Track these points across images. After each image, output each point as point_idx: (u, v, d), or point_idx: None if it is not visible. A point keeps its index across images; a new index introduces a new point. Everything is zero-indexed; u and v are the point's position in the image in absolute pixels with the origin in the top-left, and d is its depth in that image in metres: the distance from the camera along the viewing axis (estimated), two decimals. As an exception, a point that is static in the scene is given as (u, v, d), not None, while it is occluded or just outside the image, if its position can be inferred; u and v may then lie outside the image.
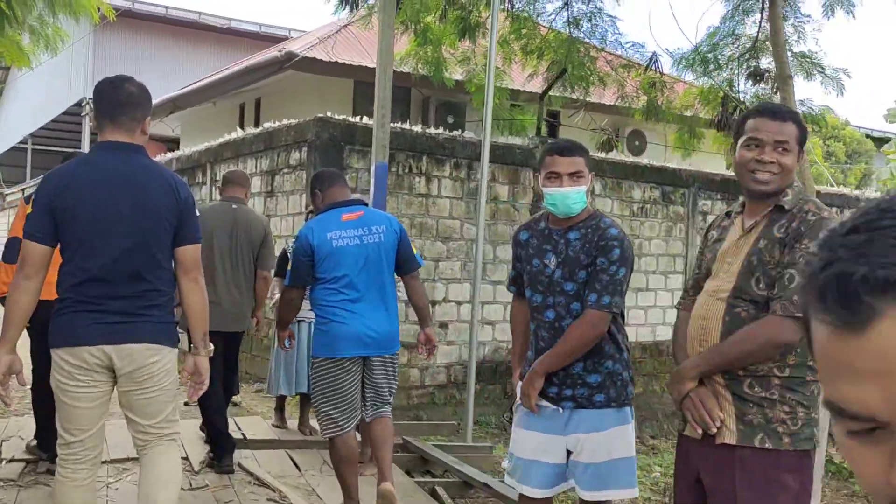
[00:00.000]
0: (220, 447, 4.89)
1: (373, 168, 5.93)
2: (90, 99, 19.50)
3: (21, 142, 30.44)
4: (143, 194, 2.85)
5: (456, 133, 8.34)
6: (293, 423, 6.13)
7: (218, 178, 9.36)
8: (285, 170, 8.01)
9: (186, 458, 4.93)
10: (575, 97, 9.40)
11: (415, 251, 4.21)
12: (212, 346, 3.04)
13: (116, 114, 2.87)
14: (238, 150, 8.95)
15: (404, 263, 4.10)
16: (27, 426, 5.20)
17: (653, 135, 12.95)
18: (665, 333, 9.88)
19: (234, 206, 5.22)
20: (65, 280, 2.86)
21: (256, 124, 12.65)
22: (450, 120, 10.99)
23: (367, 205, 4.33)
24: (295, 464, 5.17)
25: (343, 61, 10.59)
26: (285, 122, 8.16)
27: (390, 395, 4.09)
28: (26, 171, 30.59)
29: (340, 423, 3.91)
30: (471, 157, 8.31)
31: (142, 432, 2.95)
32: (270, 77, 10.88)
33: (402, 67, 9.21)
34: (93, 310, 2.80)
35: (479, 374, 8.40)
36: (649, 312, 9.72)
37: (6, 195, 30.89)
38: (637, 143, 12.49)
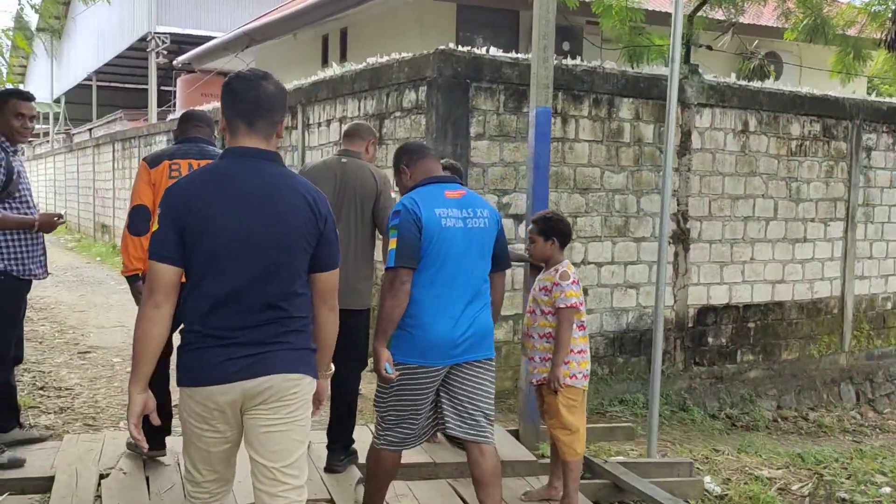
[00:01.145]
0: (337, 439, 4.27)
1: (531, 114, 4.73)
2: (156, 34, 18.61)
3: (86, 79, 29.87)
4: (279, 209, 2.53)
5: (595, 64, 7.04)
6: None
7: (311, 122, 8.27)
8: (397, 113, 6.85)
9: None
10: (720, 18, 7.98)
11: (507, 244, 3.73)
12: (333, 368, 2.89)
13: (255, 117, 2.55)
14: (336, 90, 7.80)
15: (499, 258, 3.58)
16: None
17: (787, 56, 11.38)
18: (824, 290, 8.59)
19: (343, 159, 4.48)
20: (190, 309, 2.54)
21: (342, 58, 11.47)
22: (565, 47, 9.64)
23: (464, 184, 3.67)
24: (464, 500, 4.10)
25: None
26: (395, 55, 6.96)
27: (491, 410, 3.51)
28: (92, 109, 30.07)
29: (408, 442, 3.48)
30: (612, 93, 7.04)
31: (269, 479, 2.58)
32: (363, 3, 9.60)
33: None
34: (224, 343, 2.49)
35: (621, 344, 7.29)
36: (807, 267, 8.42)
37: (73, 134, 30.48)
38: (773, 66, 10.95)
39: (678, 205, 7.51)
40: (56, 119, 33.32)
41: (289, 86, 8.91)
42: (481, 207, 3.49)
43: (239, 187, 2.51)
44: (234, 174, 2.54)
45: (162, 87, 24.78)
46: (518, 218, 6.65)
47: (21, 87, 47.61)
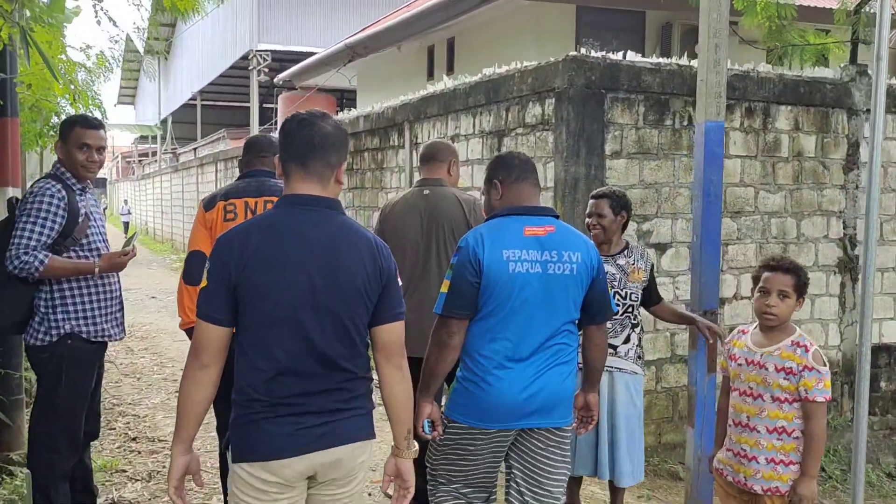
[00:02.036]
0: None
1: (699, 130, 3.87)
2: (257, 51, 18.43)
3: (190, 99, 30.31)
4: (340, 263, 2.35)
5: (748, 67, 6.09)
6: None
7: (420, 140, 7.58)
8: (519, 130, 6.07)
9: None
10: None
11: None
12: (416, 446, 2.53)
13: (309, 159, 2.38)
14: (448, 105, 7.08)
15: (594, 309, 3.08)
16: None
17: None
18: None
19: (425, 191, 4.18)
20: (248, 376, 2.34)
21: (449, 70, 10.79)
22: (696, 51, 8.66)
23: (558, 217, 3.13)
24: None
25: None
26: (515, 64, 6.18)
27: (560, 489, 3.05)
28: (197, 128, 30.50)
29: (471, 498, 3.11)
30: (767, 100, 6.07)
31: None
32: (478, 8, 8.86)
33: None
34: (291, 413, 2.33)
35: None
36: None
37: (179, 154, 30.97)
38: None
39: (844, 228, 6.46)
40: (164, 139, 34.00)
41: (395, 101, 8.27)
42: (571, 249, 2.97)
43: (297, 238, 2.33)
44: (291, 225, 2.35)
45: (264, 105, 24.81)
46: (661, 248, 5.76)
47: (133, 108, 49.17)
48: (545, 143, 5.72)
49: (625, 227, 4.14)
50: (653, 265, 4.16)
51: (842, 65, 6.53)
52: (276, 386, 2.32)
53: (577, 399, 3.24)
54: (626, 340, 3.99)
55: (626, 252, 4.09)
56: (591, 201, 4.15)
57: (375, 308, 2.42)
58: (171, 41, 28.38)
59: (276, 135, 4.23)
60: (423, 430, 3.03)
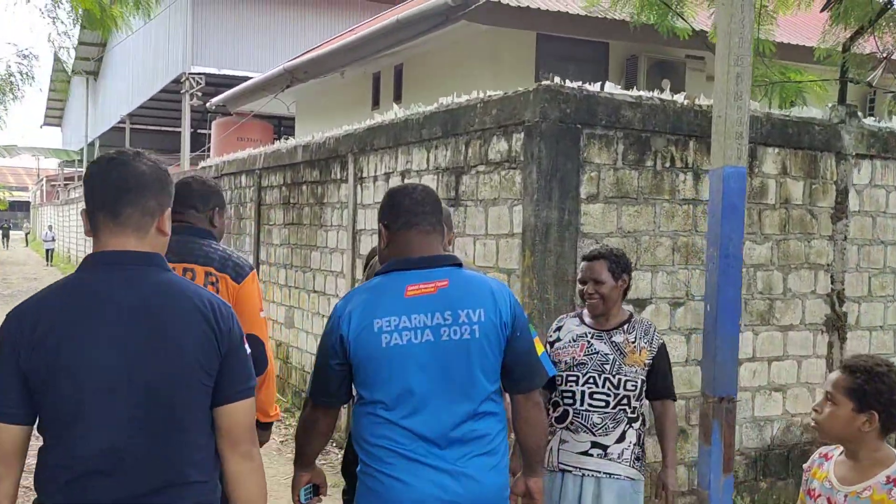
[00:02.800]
0: None
1: (715, 177, 3.21)
2: (191, 74, 17.48)
3: (119, 122, 29.04)
4: (162, 334, 1.95)
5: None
6: None
7: (365, 175, 6.81)
8: (480, 167, 5.35)
9: None
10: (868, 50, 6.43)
11: (540, 350, 2.56)
12: None
13: (120, 206, 2.00)
14: (398, 137, 6.34)
15: (517, 375, 2.51)
16: None
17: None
18: None
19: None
20: (48, 477, 1.95)
21: (397, 99, 10.08)
22: (664, 85, 8.14)
23: (460, 265, 2.55)
24: None
25: (530, 5, 7.76)
26: (478, 93, 5.48)
27: None
28: (126, 153, 29.13)
29: None
30: (754, 140, 5.48)
31: None
32: (429, 33, 8.16)
33: (608, 13, 6.41)
34: None
35: (764, 464, 5.65)
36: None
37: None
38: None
39: (832, 282, 5.90)
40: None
41: (338, 131, 7.50)
42: (470, 306, 2.40)
43: (105, 308, 1.96)
44: (96, 290, 1.98)
45: (198, 131, 23.79)
46: (640, 304, 5.09)
47: (59, 130, 47.30)
48: (511, 182, 5.01)
49: (625, 294, 3.43)
50: (662, 345, 3.41)
51: (829, 105, 6.01)
52: (76, 490, 1.91)
53: (517, 485, 2.68)
54: (621, 439, 3.28)
55: (626, 327, 3.38)
56: (583, 264, 3.43)
57: (216, 386, 2.01)
58: (101, 59, 27.17)
59: (208, 179, 3.52)
60: (300, 500, 2.63)
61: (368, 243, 6.75)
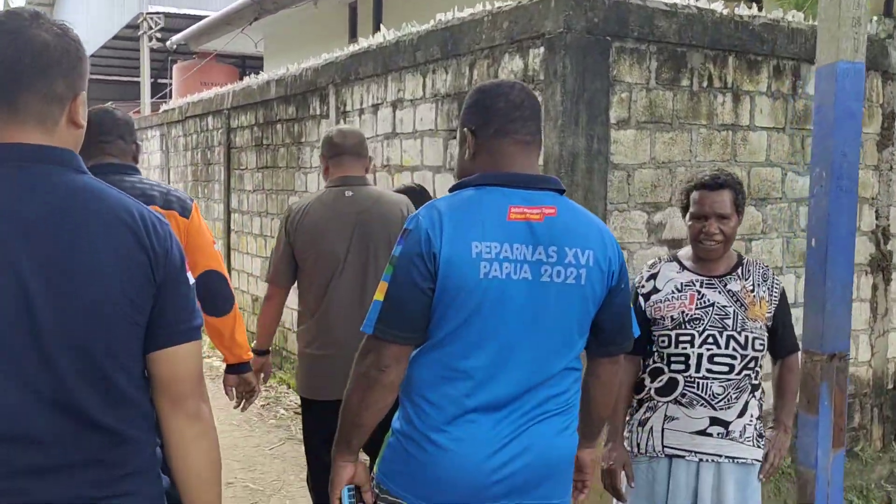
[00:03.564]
0: None
1: (822, 76, 2.54)
2: (147, 14, 16.42)
3: (74, 71, 27.61)
4: (76, 255, 1.50)
5: (777, 16, 4.81)
6: None
7: (349, 108, 6.06)
8: (489, 90, 4.63)
9: None
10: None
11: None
12: None
13: (12, 91, 1.52)
14: (388, 63, 5.58)
15: (611, 333, 2.07)
16: None
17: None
18: None
19: (347, 192, 3.42)
20: None
21: (375, 30, 9.25)
22: None
23: (563, 191, 2.07)
24: None
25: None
26: (483, 6, 4.73)
27: None
28: (83, 104, 27.82)
29: None
30: (798, 57, 4.82)
31: None
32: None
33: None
34: None
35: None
36: None
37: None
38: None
39: (876, 218, 5.31)
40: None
41: (316, 61, 6.70)
42: (580, 245, 1.97)
43: (2, 217, 1.47)
44: None
45: (159, 80, 22.66)
46: (675, 245, 4.45)
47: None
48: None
49: None
50: (783, 292, 2.76)
51: (875, 17, 5.35)
52: None
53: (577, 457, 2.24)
54: (743, 412, 2.64)
55: (740, 271, 2.71)
56: (698, 195, 2.70)
57: (150, 326, 1.58)
58: (52, 5, 25.76)
59: (121, 112, 3.13)
60: (340, 502, 2.03)
61: (355, 185, 6.02)
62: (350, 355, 2.06)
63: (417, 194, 4.11)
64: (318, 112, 6.70)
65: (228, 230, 8.78)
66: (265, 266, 7.64)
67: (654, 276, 2.78)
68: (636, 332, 2.17)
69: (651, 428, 2.67)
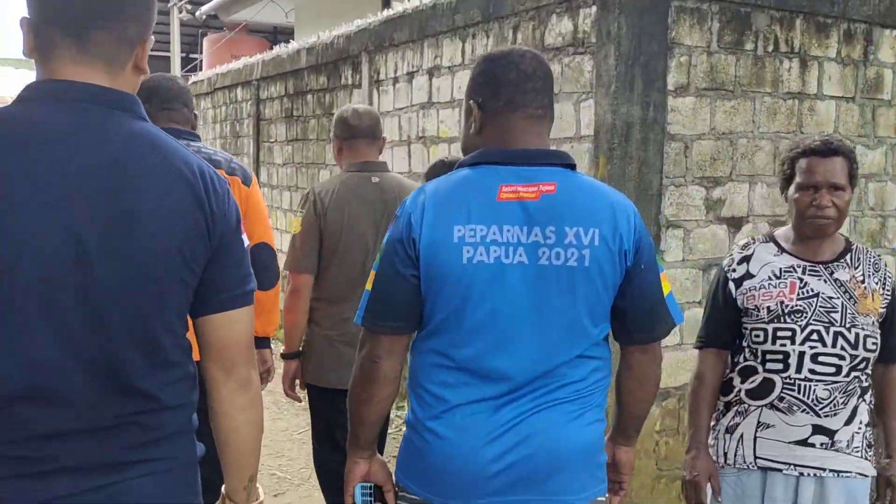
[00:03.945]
0: None
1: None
2: (177, -15, 16.21)
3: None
4: (135, 206, 1.40)
5: (849, -27, 4.43)
6: None
7: (382, 77, 5.76)
8: (559, 59, 4.31)
9: None
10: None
11: (666, 289, 1.90)
12: (261, 496, 1.70)
13: (87, 27, 1.44)
14: (425, 28, 5.26)
15: (635, 319, 1.87)
16: None
17: None
18: None
19: (373, 178, 3.28)
20: None
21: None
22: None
23: (573, 166, 1.87)
24: None
25: None
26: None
27: None
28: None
29: None
30: (870, 21, 4.43)
31: None
32: None
33: None
34: (24, 472, 1.39)
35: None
36: None
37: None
38: None
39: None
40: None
41: (348, 27, 6.40)
42: (582, 223, 1.78)
43: (54, 159, 1.37)
44: (41, 135, 1.37)
45: (189, 55, 22.51)
46: (735, 224, 4.11)
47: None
48: (578, 72, 3.97)
49: None
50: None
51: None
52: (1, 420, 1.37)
53: (611, 454, 2.05)
54: (850, 419, 2.29)
55: (848, 258, 2.36)
56: (805, 161, 2.32)
57: (202, 285, 1.50)
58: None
59: (183, 81, 3.15)
60: (353, 501, 1.97)
61: (389, 158, 5.73)
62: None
63: (448, 169, 3.82)
64: (350, 81, 6.40)
65: (257, 205, 8.53)
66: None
67: (746, 259, 2.42)
68: (678, 318, 1.93)
69: (741, 435, 2.34)
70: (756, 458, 2.30)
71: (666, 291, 1.91)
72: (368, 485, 1.97)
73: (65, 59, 1.44)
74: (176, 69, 16.43)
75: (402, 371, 1.91)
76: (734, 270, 2.40)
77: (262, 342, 3.24)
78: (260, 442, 1.66)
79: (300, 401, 3.43)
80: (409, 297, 1.81)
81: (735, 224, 4.12)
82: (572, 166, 1.88)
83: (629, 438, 2.05)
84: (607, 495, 1.92)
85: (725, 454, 2.37)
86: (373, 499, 1.97)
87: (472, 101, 1.91)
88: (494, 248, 1.76)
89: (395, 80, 5.71)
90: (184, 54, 18.61)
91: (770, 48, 4.13)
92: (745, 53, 4.06)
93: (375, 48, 5.94)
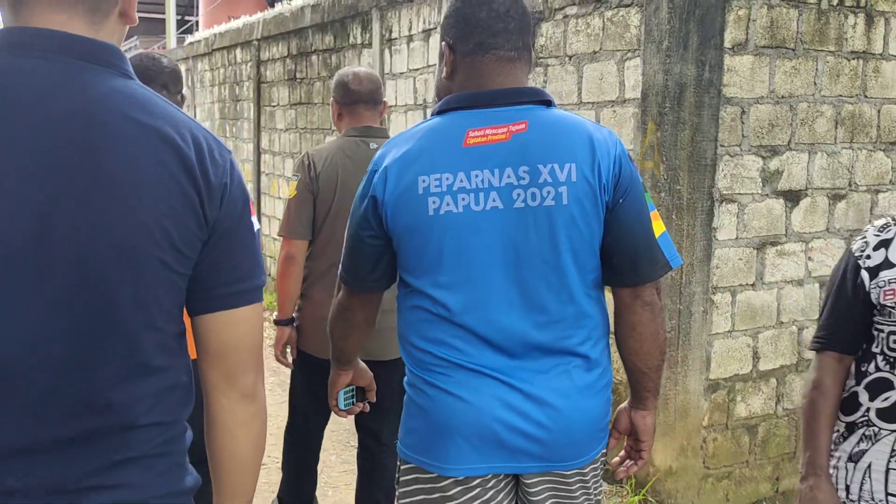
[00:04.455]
0: None
1: None
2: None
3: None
4: (111, 171, 1.18)
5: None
6: None
7: (395, 35, 5.33)
8: (570, 9, 3.87)
9: None
10: None
11: (659, 230, 1.78)
12: None
13: None
14: (444, -21, 4.81)
15: (623, 258, 1.76)
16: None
17: None
18: None
19: (371, 143, 3.07)
20: None
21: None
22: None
23: (549, 102, 1.78)
24: None
25: None
26: None
27: None
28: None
29: None
30: (941, -27, 4.00)
31: None
32: None
33: None
34: None
35: None
36: None
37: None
38: None
39: None
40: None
41: (357, -19, 5.93)
42: (556, 159, 1.67)
43: (19, 117, 1.16)
44: (9, 84, 1.17)
45: (185, 17, 21.88)
46: (792, 198, 3.72)
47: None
48: (623, 27, 3.55)
49: None
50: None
51: None
52: None
53: (620, 420, 1.95)
54: None
55: None
56: None
57: (198, 276, 1.26)
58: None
59: (168, 59, 2.87)
60: (339, 406, 2.19)
61: (402, 124, 5.32)
62: None
63: None
64: (358, 41, 5.96)
65: (258, 172, 8.13)
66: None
67: (885, 244, 1.95)
68: (674, 261, 1.79)
69: (869, 465, 1.94)
70: (888, 495, 1.91)
71: (658, 232, 1.78)
72: (350, 388, 2.20)
73: (39, 0, 1.21)
74: (171, 32, 15.93)
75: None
76: (868, 257, 1.94)
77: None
78: (260, 462, 1.45)
79: (291, 367, 3.33)
80: (373, 260, 1.83)
81: (793, 198, 3.73)
82: (548, 102, 1.77)
83: (643, 401, 1.91)
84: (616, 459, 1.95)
85: (848, 487, 1.97)
86: (354, 400, 2.25)
87: (443, 43, 1.82)
88: (463, 195, 1.69)
89: (410, 38, 5.27)
90: (179, 16, 18.10)
91: (835, 1, 3.70)
92: (808, 7, 3.63)
93: (388, 3, 5.50)
